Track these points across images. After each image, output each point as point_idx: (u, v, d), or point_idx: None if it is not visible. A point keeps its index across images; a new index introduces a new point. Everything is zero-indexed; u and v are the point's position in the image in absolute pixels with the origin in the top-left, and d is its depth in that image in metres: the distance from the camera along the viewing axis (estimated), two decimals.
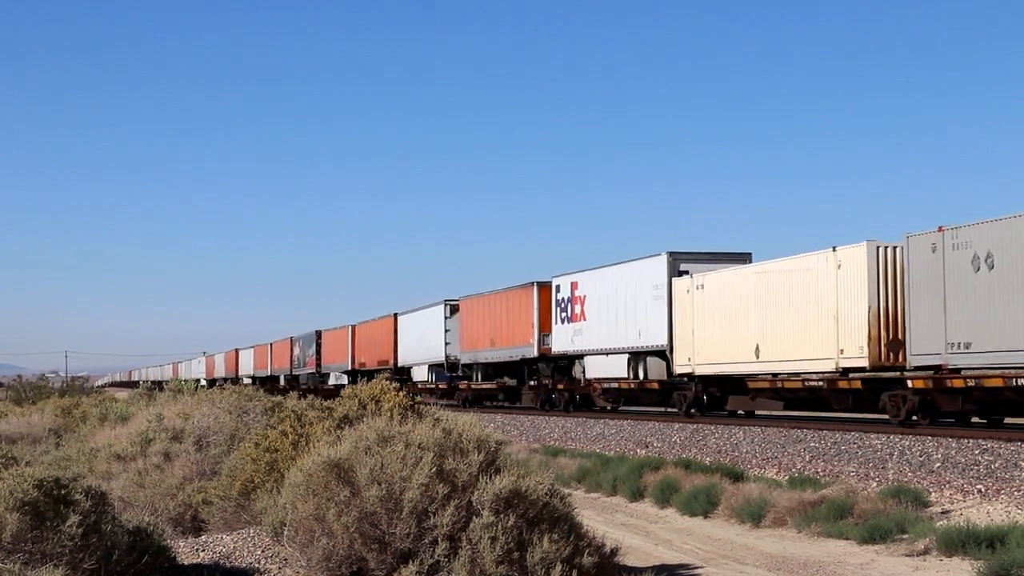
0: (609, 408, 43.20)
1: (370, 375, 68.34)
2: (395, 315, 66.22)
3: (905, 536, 16.27)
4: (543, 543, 10.45)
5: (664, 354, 37.44)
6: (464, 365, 55.89)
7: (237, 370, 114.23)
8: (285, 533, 11.32)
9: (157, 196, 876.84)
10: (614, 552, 11.56)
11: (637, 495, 22.95)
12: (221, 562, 12.53)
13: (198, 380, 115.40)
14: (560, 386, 46.37)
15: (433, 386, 60.36)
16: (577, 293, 43.93)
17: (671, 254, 37.57)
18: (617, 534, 16.03)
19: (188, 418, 21.09)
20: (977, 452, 22.05)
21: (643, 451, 29.53)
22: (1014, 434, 23.67)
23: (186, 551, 12.94)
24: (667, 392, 38.25)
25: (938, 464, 21.66)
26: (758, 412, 35.97)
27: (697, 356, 35.52)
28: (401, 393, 14.70)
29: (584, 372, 43.87)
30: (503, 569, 10.31)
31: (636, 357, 39.60)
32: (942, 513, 17.94)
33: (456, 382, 57.34)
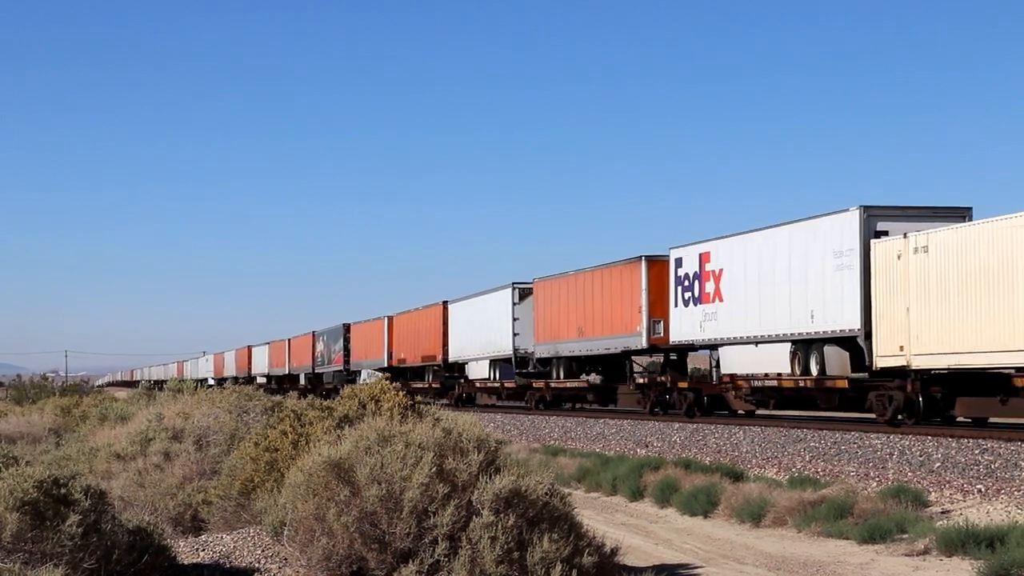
0: (742, 413, 35.88)
1: (412, 372, 64.33)
2: (445, 303, 58.53)
3: (905, 536, 16.27)
4: (543, 543, 10.45)
5: (853, 341, 28.96)
6: (539, 360, 47.19)
7: (250, 368, 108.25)
8: (285, 533, 11.33)
9: (157, 196, 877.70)
10: (614, 552, 11.56)
11: (637, 495, 22.95)
12: (221, 562, 12.54)
13: (204, 380, 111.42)
14: (682, 384, 37.83)
15: (497, 384, 51.80)
16: (709, 267, 35.30)
17: (866, 209, 28.57)
18: (617, 534, 16.03)
19: (188, 418, 21.08)
20: (977, 452, 22.05)
21: (643, 451, 29.52)
22: (1014, 434, 23.67)
23: (186, 551, 12.95)
24: (858, 393, 29.43)
25: (938, 464, 21.66)
26: (993, 420, 27.92)
27: (916, 344, 26.78)
28: (401, 393, 14.71)
29: (718, 366, 35.67)
30: (503, 569, 10.31)
31: (806, 346, 30.87)
32: (942, 513, 17.94)
33: (528, 380, 48.67)
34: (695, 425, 32.84)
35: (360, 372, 73.07)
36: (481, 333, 52.79)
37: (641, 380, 40.45)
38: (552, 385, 46.45)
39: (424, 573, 10.37)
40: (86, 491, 10.99)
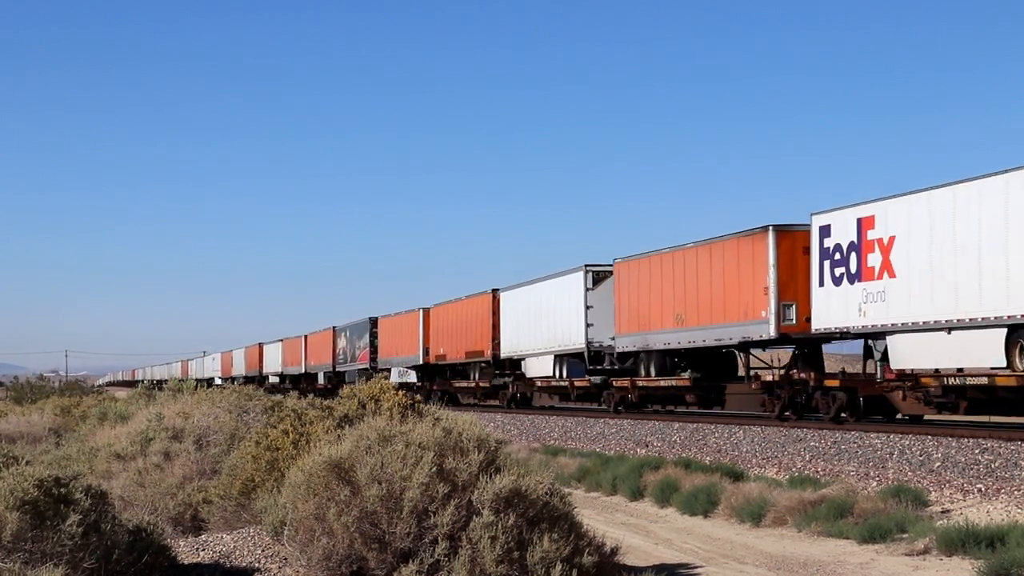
0: (905, 417, 29.75)
1: (454, 370, 58.68)
2: (495, 291, 51.74)
3: (905, 535, 16.27)
4: (543, 542, 10.45)
5: None
6: (621, 354, 40.15)
7: (261, 367, 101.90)
8: (285, 532, 11.33)
9: (157, 196, 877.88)
10: (614, 551, 11.56)
11: (637, 494, 22.95)
12: (221, 561, 12.54)
13: (211, 379, 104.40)
14: (831, 382, 30.47)
15: (564, 383, 44.44)
16: (873, 235, 28.31)
17: None
18: (617, 533, 16.03)
19: (188, 417, 21.07)
20: (977, 451, 22.05)
21: (643, 450, 29.52)
22: (1014, 433, 23.65)
23: (186, 550, 12.95)
24: None
25: (938, 463, 21.65)
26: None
27: None
28: (401, 392, 14.71)
29: (884, 358, 28.47)
30: (503, 568, 10.31)
31: None
32: (942, 512, 17.94)
33: (606, 377, 41.40)
34: (695, 425, 32.77)
35: (390, 370, 66.17)
36: (543, 324, 45.72)
37: (769, 377, 32.78)
38: (640, 384, 38.94)
39: (424, 573, 10.36)
40: (86, 491, 11.00)
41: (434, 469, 10.67)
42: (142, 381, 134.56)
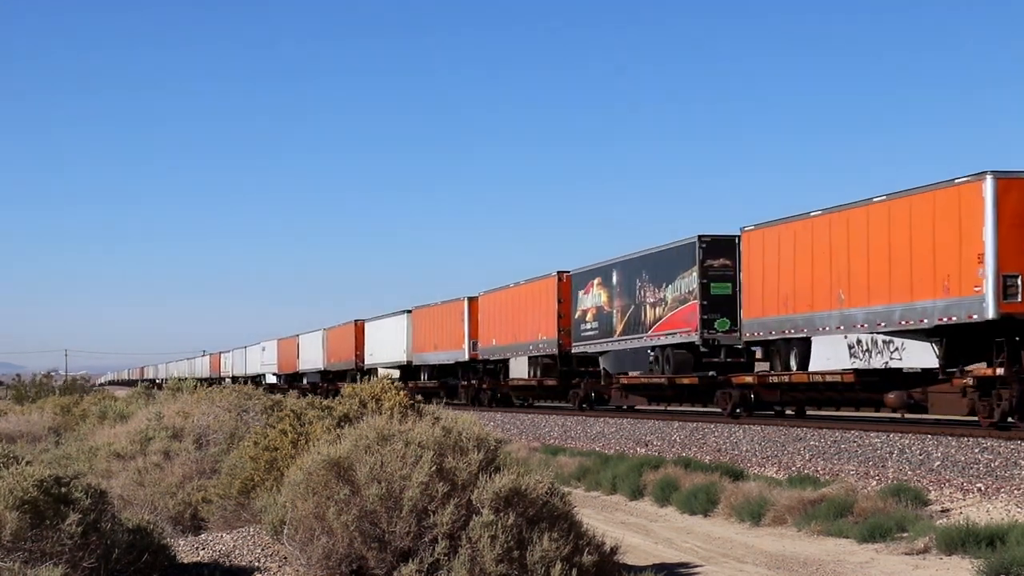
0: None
1: None
2: None
3: (905, 535, 16.27)
4: (543, 542, 10.45)
5: None
6: None
7: (361, 356, 68.58)
8: (285, 531, 11.33)
9: (157, 196, 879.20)
10: (614, 551, 11.55)
11: (637, 494, 22.94)
12: (221, 560, 12.54)
13: (261, 377, 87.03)
14: None
15: None
16: None
17: None
18: (617, 532, 16.03)
19: (188, 417, 21.07)
20: (977, 451, 22.06)
21: (643, 450, 29.51)
22: (1014, 433, 23.69)
23: (186, 549, 12.95)
24: None
25: (938, 463, 21.66)
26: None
27: None
28: (401, 392, 14.67)
29: None
30: (503, 568, 10.31)
31: None
32: (942, 512, 17.94)
33: None
34: (695, 424, 32.81)
35: (807, 342, 31.10)
36: None
37: None
38: None
39: (424, 572, 10.37)
40: (86, 490, 11.00)
41: (434, 468, 10.67)
42: (152, 380, 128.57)
